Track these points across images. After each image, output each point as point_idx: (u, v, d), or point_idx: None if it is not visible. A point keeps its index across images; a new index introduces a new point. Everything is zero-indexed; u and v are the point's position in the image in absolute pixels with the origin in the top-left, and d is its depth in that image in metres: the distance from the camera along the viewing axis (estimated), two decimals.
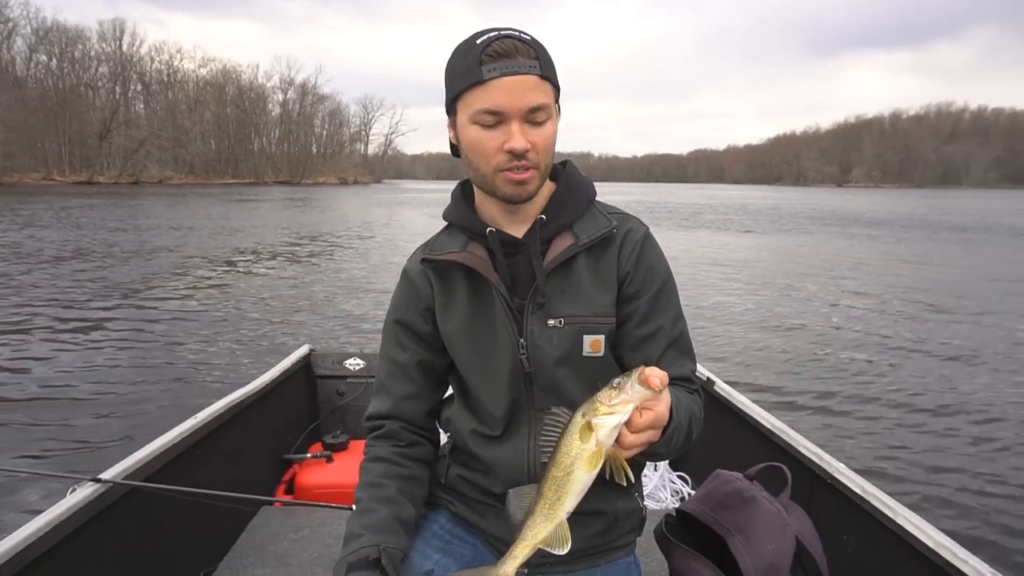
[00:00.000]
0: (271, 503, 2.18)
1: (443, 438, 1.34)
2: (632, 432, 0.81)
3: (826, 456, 1.95)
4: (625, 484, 0.87)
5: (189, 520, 1.92)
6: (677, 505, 1.57)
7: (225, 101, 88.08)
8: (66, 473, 1.76)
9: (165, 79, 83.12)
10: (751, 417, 2.37)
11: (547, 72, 1.05)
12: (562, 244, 1.13)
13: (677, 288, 1.21)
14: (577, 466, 0.82)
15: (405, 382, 1.24)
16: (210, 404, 2.27)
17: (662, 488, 2.63)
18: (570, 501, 0.85)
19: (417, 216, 29.31)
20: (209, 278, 11.08)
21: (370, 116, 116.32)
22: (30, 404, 4.97)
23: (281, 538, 1.96)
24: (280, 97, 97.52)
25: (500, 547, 1.22)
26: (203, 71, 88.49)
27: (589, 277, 1.14)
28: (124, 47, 77.60)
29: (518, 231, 1.17)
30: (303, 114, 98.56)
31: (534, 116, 1.04)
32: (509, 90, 1.01)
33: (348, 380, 3.15)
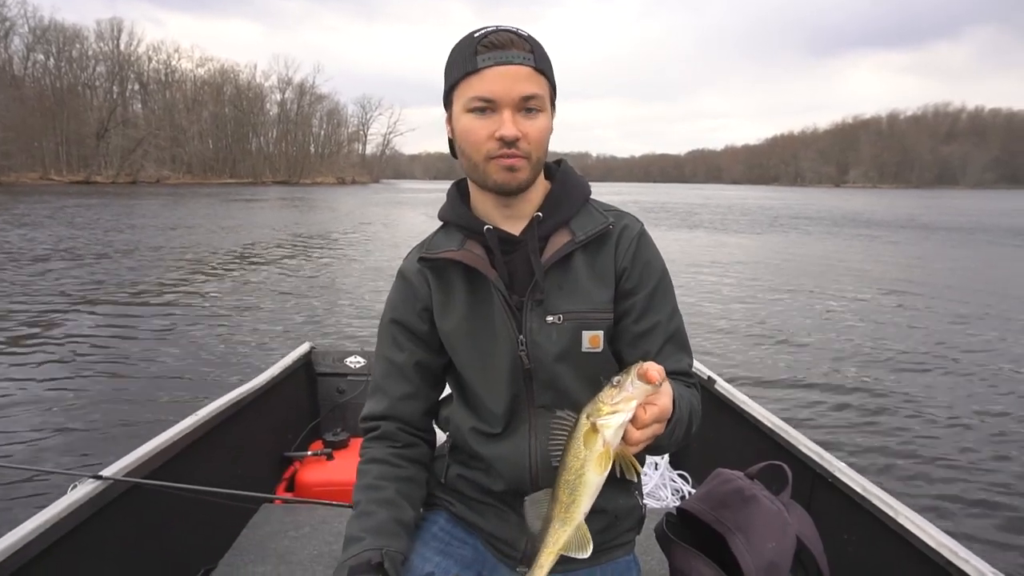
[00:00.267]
0: (272, 500, 2.18)
1: (442, 437, 1.34)
2: (638, 428, 0.82)
3: (827, 455, 1.95)
4: (636, 480, 0.88)
5: (190, 517, 1.93)
6: (678, 504, 1.58)
7: (223, 101, 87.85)
8: (67, 470, 1.77)
9: (163, 79, 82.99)
10: (752, 416, 2.38)
11: (542, 66, 1.07)
12: (559, 241, 1.14)
13: (672, 284, 1.23)
14: (587, 468, 0.83)
15: (402, 382, 1.23)
16: (211, 401, 2.27)
17: (663, 487, 2.63)
18: (585, 503, 0.85)
19: (415, 216, 29.30)
20: (209, 277, 11.07)
21: (368, 116, 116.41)
22: (31, 401, 4.97)
23: (282, 535, 1.96)
24: (278, 97, 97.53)
25: (500, 547, 1.23)
26: (201, 71, 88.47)
27: (587, 273, 1.15)
28: (122, 46, 77.52)
29: (515, 228, 1.17)
30: (301, 114, 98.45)
31: (527, 105, 1.05)
32: (502, 79, 1.03)
33: (348, 378, 3.16)
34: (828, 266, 13.98)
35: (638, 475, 0.89)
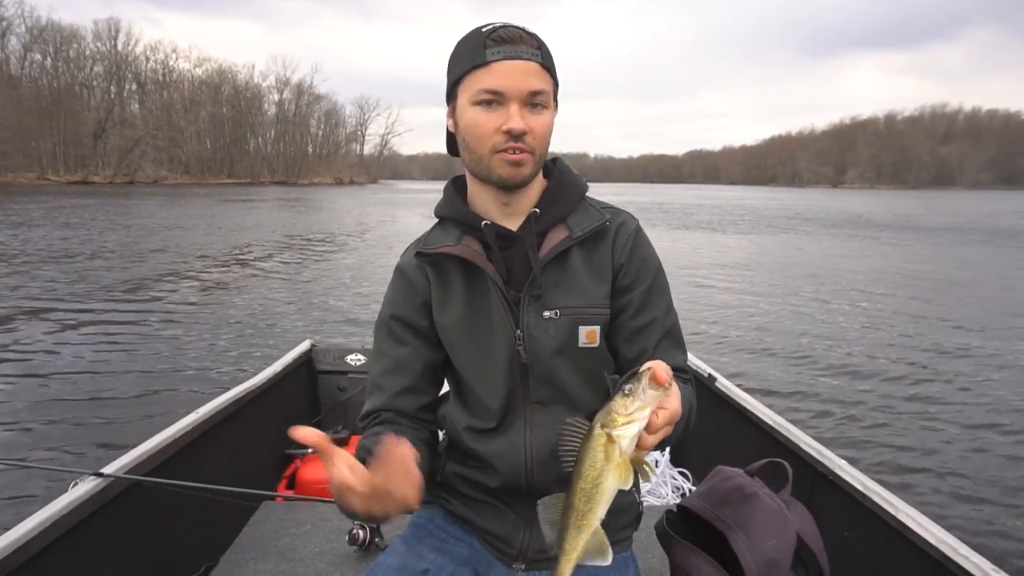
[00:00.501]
0: (272, 498, 2.19)
1: (440, 436, 1.33)
2: (651, 434, 0.82)
3: (827, 452, 1.96)
4: (651, 480, 0.96)
5: (191, 515, 1.93)
6: (678, 501, 1.58)
7: (221, 101, 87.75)
8: (68, 468, 1.77)
9: (160, 79, 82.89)
10: (752, 413, 2.38)
11: (548, 63, 1.08)
12: (557, 236, 1.15)
13: (668, 281, 1.24)
14: (604, 477, 0.83)
15: (401, 377, 1.22)
16: (212, 399, 2.28)
17: (663, 484, 2.63)
18: (601, 510, 0.86)
19: (412, 216, 29.34)
20: (209, 276, 11.09)
21: (366, 116, 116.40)
22: (32, 399, 4.98)
23: (282, 533, 1.97)
24: (276, 97, 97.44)
25: (497, 544, 1.22)
26: (199, 71, 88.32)
27: (584, 269, 1.16)
28: (119, 46, 77.43)
29: (512, 224, 1.18)
30: (299, 114, 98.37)
31: (533, 100, 1.06)
32: (510, 73, 1.04)
33: (349, 375, 3.17)
34: (827, 266, 14.01)
35: (651, 474, 0.87)
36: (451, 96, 1.13)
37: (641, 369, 0.83)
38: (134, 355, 6.19)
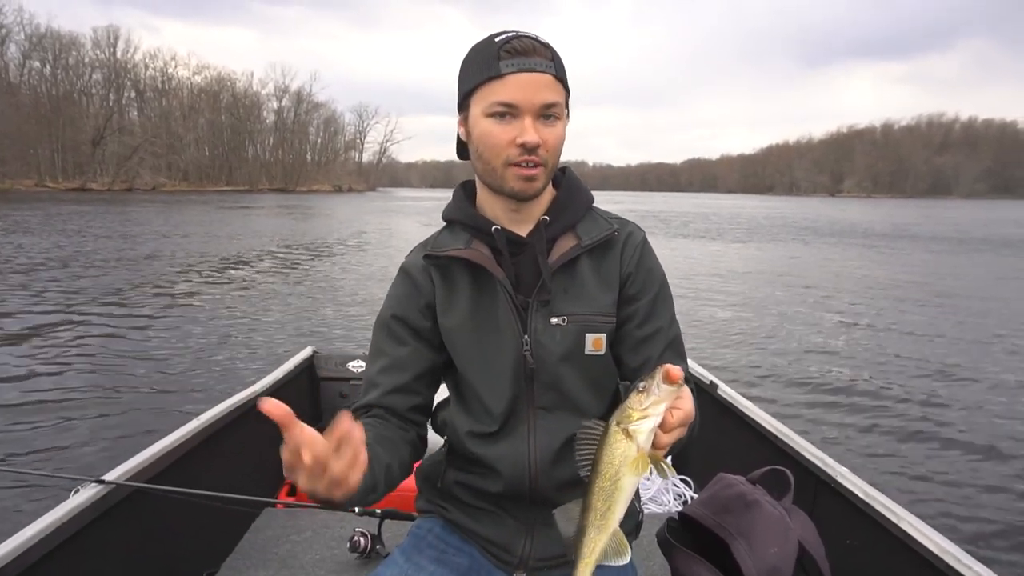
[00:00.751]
0: (273, 505, 2.18)
1: (439, 442, 1.33)
2: (666, 432, 0.83)
3: (829, 460, 1.95)
4: (668, 478, 0.96)
5: (192, 521, 1.92)
6: (679, 508, 1.58)
7: (219, 108, 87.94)
8: (69, 474, 1.77)
9: (159, 86, 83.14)
10: (754, 421, 2.38)
11: (561, 73, 1.08)
12: (566, 244, 1.16)
13: (671, 292, 1.25)
14: (622, 474, 0.84)
15: (397, 376, 1.20)
16: (213, 406, 2.28)
17: (664, 491, 2.62)
18: (620, 509, 0.87)
19: (410, 224, 29.43)
20: (210, 283, 11.07)
21: (365, 124, 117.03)
22: (33, 406, 4.96)
23: (284, 540, 1.96)
24: (275, 105, 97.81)
25: (497, 552, 1.22)
26: (197, 78, 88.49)
27: (592, 277, 1.16)
28: (118, 54, 77.59)
29: (521, 230, 1.18)
30: (298, 122, 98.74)
31: (547, 112, 1.07)
32: (525, 85, 1.04)
33: (351, 382, 3.16)
34: (828, 275, 14.02)
35: (669, 473, 0.88)
36: (463, 105, 1.13)
37: (655, 368, 0.84)
38: (135, 362, 6.18)
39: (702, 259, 16.88)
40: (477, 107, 1.09)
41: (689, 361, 1.28)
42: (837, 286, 12.32)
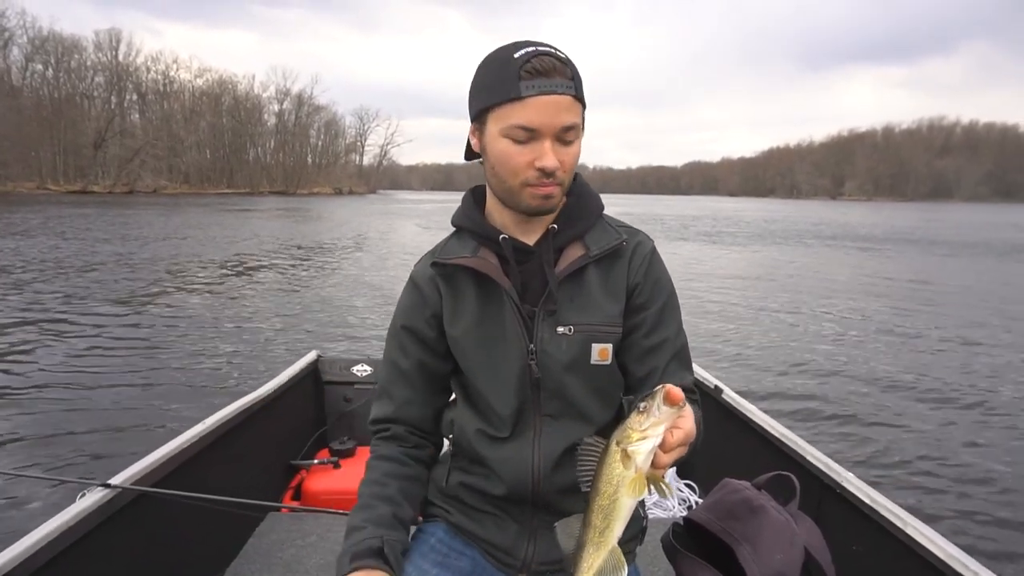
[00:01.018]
0: (278, 509, 2.19)
1: (444, 445, 1.34)
2: (666, 452, 0.83)
3: (835, 465, 1.95)
4: (668, 499, 0.98)
5: (197, 525, 1.93)
6: (684, 514, 1.58)
7: (221, 111, 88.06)
8: (75, 478, 1.77)
9: (161, 89, 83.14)
10: (759, 426, 2.38)
11: (580, 93, 1.07)
12: (573, 254, 1.16)
13: (679, 303, 1.25)
14: (621, 493, 0.85)
15: (406, 387, 1.25)
16: (218, 410, 2.28)
17: (669, 496, 2.62)
18: (618, 527, 0.87)
19: (411, 227, 29.48)
20: (213, 287, 11.07)
21: (365, 127, 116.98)
22: (39, 410, 4.96)
23: (288, 544, 1.97)
24: (276, 107, 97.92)
25: (499, 556, 1.23)
26: (199, 81, 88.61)
27: (599, 287, 1.16)
28: (120, 57, 77.75)
29: (529, 239, 1.18)
30: (299, 124, 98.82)
31: (565, 135, 1.06)
32: (545, 109, 1.03)
33: (355, 386, 3.16)
34: (831, 279, 14.01)
35: (668, 493, 0.88)
36: (479, 118, 1.11)
37: (657, 388, 0.84)
38: (140, 366, 6.18)
39: (704, 262, 16.88)
40: (495, 125, 1.07)
41: (694, 366, 1.29)
42: (841, 290, 12.31)
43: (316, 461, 2.74)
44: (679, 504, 2.61)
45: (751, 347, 7.69)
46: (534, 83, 1.02)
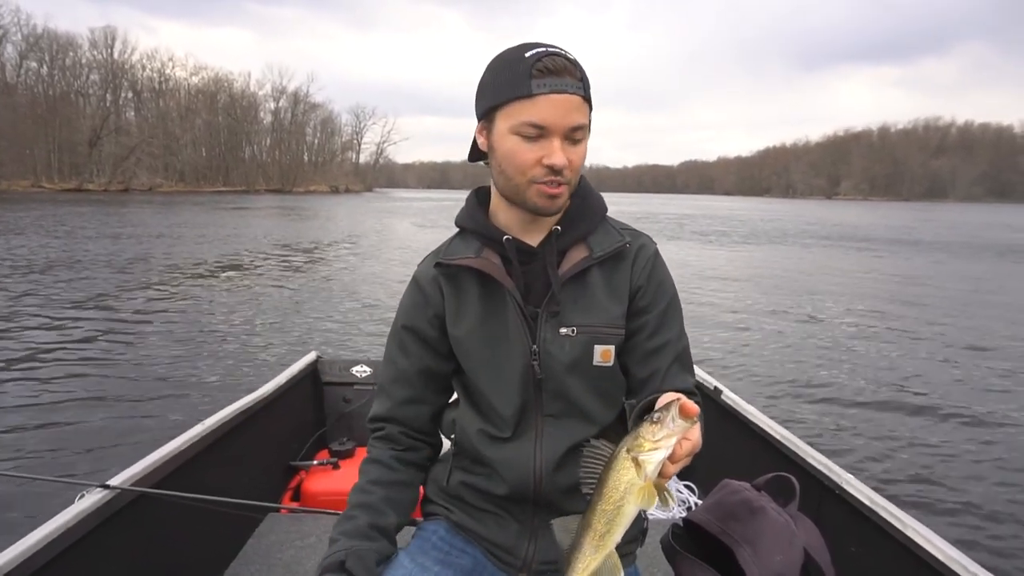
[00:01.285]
0: (277, 510, 2.19)
1: (446, 444, 1.35)
2: (674, 463, 0.84)
3: (835, 467, 1.96)
4: (671, 508, 0.99)
5: (196, 526, 1.93)
6: (684, 515, 1.58)
7: (216, 109, 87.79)
8: (74, 479, 1.77)
9: (156, 87, 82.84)
10: (759, 427, 2.38)
11: (588, 94, 1.09)
12: (577, 256, 1.17)
13: (681, 305, 1.26)
14: (627, 501, 0.85)
15: (406, 387, 1.26)
16: (217, 410, 2.28)
17: (672, 505, 2.61)
18: (619, 533, 0.88)
19: (407, 225, 29.49)
20: (211, 286, 11.05)
21: (362, 125, 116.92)
22: (38, 410, 4.95)
23: (287, 545, 1.97)
24: (272, 105, 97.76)
25: (500, 555, 1.23)
26: (195, 79, 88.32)
27: (602, 289, 1.17)
28: (115, 54, 77.41)
29: (533, 240, 1.19)
30: (295, 122, 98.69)
31: (574, 135, 1.07)
32: (555, 107, 1.04)
33: (355, 387, 3.16)
34: (829, 279, 14.04)
35: (672, 503, 0.89)
36: (487, 116, 1.12)
37: (671, 399, 0.85)
38: (139, 367, 6.17)
39: (701, 262, 16.89)
40: (504, 123, 1.08)
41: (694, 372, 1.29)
42: (839, 290, 12.35)
43: (315, 462, 2.74)
44: (678, 505, 2.61)
45: (749, 348, 7.71)
46: (545, 81, 1.03)
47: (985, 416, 5.39)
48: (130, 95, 79.59)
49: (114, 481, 1.70)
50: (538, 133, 1.06)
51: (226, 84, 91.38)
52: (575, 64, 1.07)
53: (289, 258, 15.44)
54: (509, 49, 1.11)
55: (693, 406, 0.81)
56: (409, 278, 1.30)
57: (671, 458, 0.83)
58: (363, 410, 3.06)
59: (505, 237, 1.17)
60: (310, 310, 9.26)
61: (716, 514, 1.46)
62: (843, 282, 13.59)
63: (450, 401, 1.34)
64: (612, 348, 1.17)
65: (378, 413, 1.28)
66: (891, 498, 1.77)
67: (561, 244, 1.18)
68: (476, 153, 1.21)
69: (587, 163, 1.16)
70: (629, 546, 1.28)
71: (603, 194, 1.26)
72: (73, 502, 1.61)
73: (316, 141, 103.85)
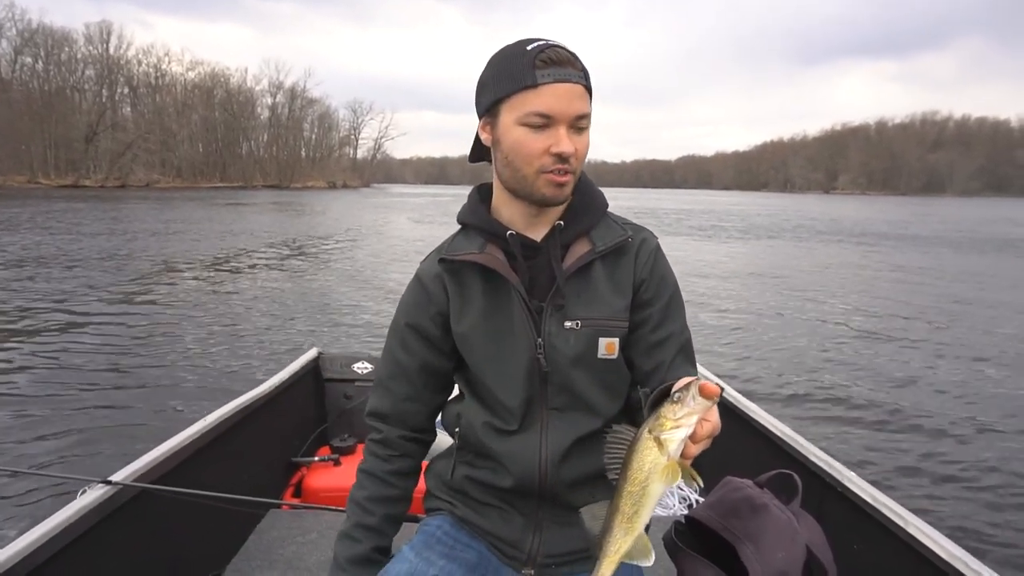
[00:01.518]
0: (279, 506, 2.19)
1: (448, 440, 1.35)
2: (695, 443, 0.84)
3: (837, 464, 1.97)
4: (697, 487, 1.00)
5: (197, 522, 1.93)
6: (686, 512, 1.58)
7: (213, 105, 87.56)
8: (76, 475, 1.77)
9: (153, 82, 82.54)
10: (761, 424, 2.39)
11: (590, 85, 1.11)
12: (580, 250, 1.18)
13: (683, 299, 1.27)
14: (652, 480, 0.86)
15: (405, 383, 1.27)
16: (219, 407, 2.28)
17: (670, 494, 2.62)
18: (646, 514, 0.88)
19: (404, 220, 29.49)
20: (211, 282, 11.06)
21: (359, 120, 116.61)
22: (40, 407, 4.96)
23: (289, 541, 1.97)
24: (269, 101, 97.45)
25: (505, 548, 1.24)
26: (191, 74, 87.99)
27: (606, 282, 1.19)
28: (111, 50, 77.12)
29: (536, 235, 1.20)
30: (292, 118, 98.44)
31: (579, 123, 1.09)
32: (560, 96, 1.06)
33: (356, 383, 3.16)
34: (828, 275, 14.03)
35: (698, 482, 0.90)
36: (490, 111, 1.13)
37: (690, 380, 0.86)
38: (140, 363, 6.17)
39: (700, 258, 16.90)
40: (509, 115, 1.09)
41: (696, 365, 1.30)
42: (838, 287, 12.34)
43: (317, 458, 2.75)
44: (680, 502, 2.62)
45: (749, 345, 7.71)
46: (549, 71, 1.05)
47: (988, 413, 5.39)
48: (126, 91, 79.46)
49: (116, 477, 1.71)
50: (544, 122, 1.07)
51: (223, 79, 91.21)
52: (575, 56, 1.09)
53: (287, 254, 15.44)
54: (509, 45, 1.12)
55: (713, 386, 0.82)
56: (407, 273, 1.31)
57: (693, 438, 0.84)
58: (364, 406, 3.06)
59: (509, 232, 1.18)
60: (309, 306, 9.26)
61: (718, 511, 1.46)
62: (843, 277, 13.61)
63: (452, 397, 1.35)
64: (616, 341, 1.18)
65: (376, 408, 1.30)
66: (894, 496, 1.77)
67: (564, 238, 1.19)
68: (477, 153, 1.22)
69: (586, 158, 1.20)
70: None
71: (601, 189, 1.27)
72: (75, 498, 1.62)
73: (313, 136, 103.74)
